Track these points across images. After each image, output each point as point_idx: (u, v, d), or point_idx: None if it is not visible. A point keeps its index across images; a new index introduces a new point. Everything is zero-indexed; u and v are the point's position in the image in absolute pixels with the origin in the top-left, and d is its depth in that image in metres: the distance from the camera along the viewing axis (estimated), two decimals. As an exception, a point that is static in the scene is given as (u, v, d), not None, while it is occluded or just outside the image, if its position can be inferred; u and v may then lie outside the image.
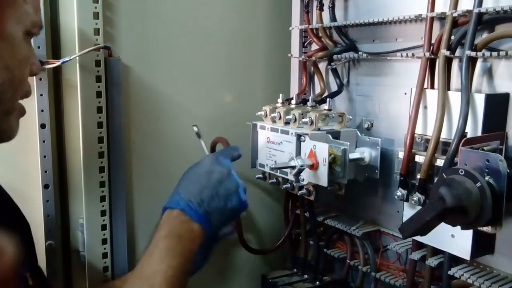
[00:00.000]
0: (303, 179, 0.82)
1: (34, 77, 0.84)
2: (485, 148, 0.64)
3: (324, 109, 0.87)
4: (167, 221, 0.70)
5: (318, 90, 1.03)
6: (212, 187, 0.73)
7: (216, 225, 0.73)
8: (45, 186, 0.87)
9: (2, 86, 0.53)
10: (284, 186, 0.90)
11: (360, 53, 0.89)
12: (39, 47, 0.84)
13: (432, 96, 0.75)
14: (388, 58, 0.87)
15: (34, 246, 0.73)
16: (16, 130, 0.59)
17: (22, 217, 0.70)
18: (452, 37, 0.72)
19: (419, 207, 0.73)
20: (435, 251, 0.76)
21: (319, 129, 0.85)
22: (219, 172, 0.74)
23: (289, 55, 1.05)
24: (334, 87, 0.98)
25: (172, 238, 0.68)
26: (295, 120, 0.86)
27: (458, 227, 0.62)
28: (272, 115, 0.90)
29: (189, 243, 0.69)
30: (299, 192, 0.87)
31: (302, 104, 0.95)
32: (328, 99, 0.89)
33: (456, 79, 0.74)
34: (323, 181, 0.79)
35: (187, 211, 0.70)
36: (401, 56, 0.81)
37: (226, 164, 0.76)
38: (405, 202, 0.78)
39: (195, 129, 0.89)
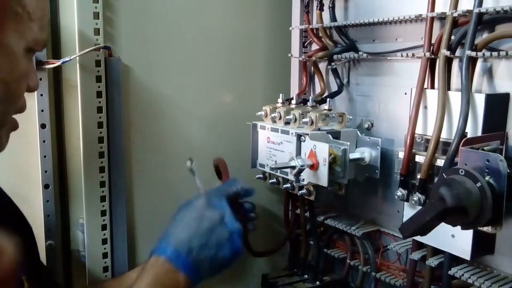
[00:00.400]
0: (303, 179, 0.82)
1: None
2: (485, 148, 0.64)
3: (324, 109, 0.87)
4: (152, 268, 0.66)
5: (318, 90, 1.03)
6: (202, 235, 0.68)
7: (205, 275, 0.69)
8: (45, 186, 0.87)
9: None
10: (284, 186, 0.90)
11: (360, 53, 0.89)
12: (39, 47, 0.84)
13: (432, 96, 0.75)
14: (388, 58, 0.87)
15: (36, 246, 0.72)
16: (4, 144, 0.58)
17: (23, 219, 0.70)
18: (452, 37, 0.72)
19: (419, 207, 0.73)
20: (435, 251, 0.76)
21: (319, 129, 0.85)
22: (210, 218, 0.70)
23: (289, 55, 1.05)
24: (334, 87, 0.98)
25: (155, 287, 0.64)
26: (295, 120, 0.86)
27: (458, 227, 0.62)
28: (272, 115, 0.90)
29: None
30: (299, 192, 0.87)
31: (302, 104, 0.95)
32: (328, 99, 0.89)
33: (456, 79, 0.74)
34: (323, 181, 0.79)
35: (174, 260, 0.66)
36: (401, 56, 0.81)
37: (219, 208, 0.72)
38: (405, 202, 0.78)
39: (188, 164, 0.77)
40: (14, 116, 0.59)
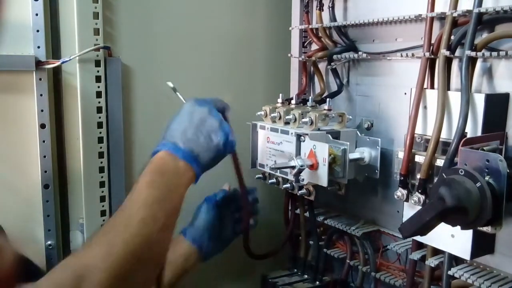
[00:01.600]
0: (303, 179, 0.82)
1: (34, 77, 0.84)
2: (485, 148, 0.64)
3: (324, 109, 0.87)
4: (151, 162, 0.67)
5: (318, 90, 1.03)
6: (195, 126, 0.71)
7: (205, 163, 0.70)
8: (45, 186, 0.87)
9: None
10: (284, 186, 0.89)
11: (360, 53, 0.89)
12: (39, 47, 0.84)
13: (432, 96, 0.75)
14: (388, 58, 0.87)
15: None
16: None
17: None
18: (452, 37, 0.72)
19: (419, 207, 0.73)
20: (435, 251, 0.76)
21: (319, 129, 0.85)
22: (199, 111, 0.72)
23: (289, 55, 1.05)
24: (334, 87, 0.98)
25: (155, 173, 0.65)
26: (295, 120, 0.86)
27: (458, 227, 0.62)
28: (272, 115, 0.90)
29: (174, 177, 0.66)
30: (299, 192, 0.87)
31: (302, 104, 0.95)
32: (328, 99, 0.89)
33: (456, 79, 0.74)
34: (323, 181, 0.79)
35: (172, 150, 0.67)
36: (401, 56, 0.81)
37: (205, 105, 0.74)
38: (405, 202, 0.78)
39: (171, 84, 0.82)
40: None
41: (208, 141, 0.71)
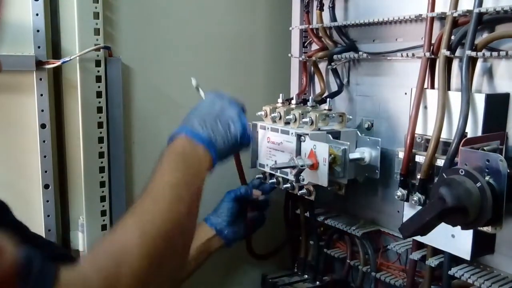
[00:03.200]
0: (303, 179, 0.82)
1: (34, 77, 0.84)
2: (485, 148, 0.64)
3: (324, 109, 0.87)
4: (171, 146, 0.67)
5: (318, 90, 1.03)
6: (215, 114, 0.72)
7: (221, 151, 0.70)
8: (45, 186, 0.87)
9: None
10: (284, 186, 0.89)
11: (360, 53, 0.89)
12: (39, 47, 0.84)
13: (432, 96, 0.75)
14: (388, 58, 0.87)
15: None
16: None
17: None
18: (452, 37, 0.72)
19: (419, 207, 0.73)
20: (435, 251, 0.76)
21: (319, 129, 0.85)
22: (220, 102, 0.74)
23: (289, 55, 1.05)
24: (334, 87, 0.98)
25: (175, 155, 0.65)
26: (295, 120, 0.86)
27: (458, 227, 0.62)
28: (272, 115, 0.90)
29: (196, 162, 0.66)
30: (299, 192, 0.87)
31: (302, 104, 0.95)
32: (328, 99, 0.89)
33: (456, 79, 0.74)
34: (323, 181, 0.79)
35: (190, 134, 0.67)
36: (401, 56, 0.81)
37: (226, 97, 0.76)
38: (405, 202, 0.78)
39: (194, 81, 0.85)
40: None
41: (226, 129, 0.71)
